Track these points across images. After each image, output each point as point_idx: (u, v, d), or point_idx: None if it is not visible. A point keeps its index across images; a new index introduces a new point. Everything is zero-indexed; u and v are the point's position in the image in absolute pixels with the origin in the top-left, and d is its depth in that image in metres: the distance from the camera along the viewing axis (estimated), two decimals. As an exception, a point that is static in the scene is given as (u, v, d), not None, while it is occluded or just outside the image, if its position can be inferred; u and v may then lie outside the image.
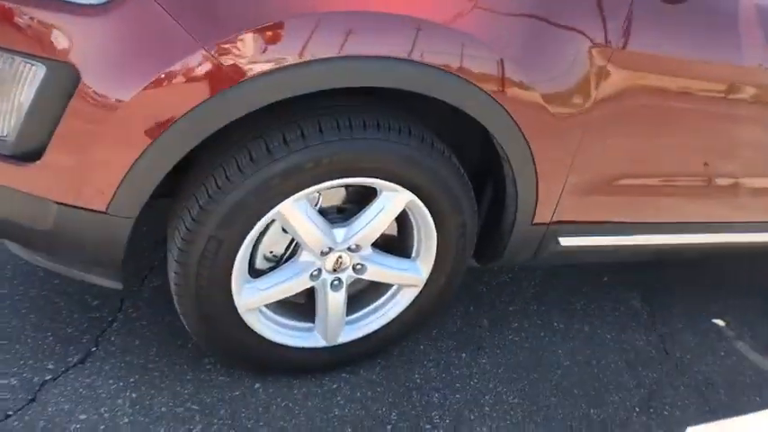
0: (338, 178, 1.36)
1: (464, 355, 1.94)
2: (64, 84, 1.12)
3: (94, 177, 1.21)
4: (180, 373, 1.62)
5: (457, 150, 1.54)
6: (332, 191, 1.51)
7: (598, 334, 2.19)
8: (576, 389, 1.92)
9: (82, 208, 1.24)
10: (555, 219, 1.71)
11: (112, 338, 1.67)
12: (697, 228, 1.97)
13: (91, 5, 1.11)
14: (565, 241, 1.79)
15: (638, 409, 1.91)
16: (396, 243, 1.70)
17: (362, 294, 1.73)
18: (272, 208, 1.34)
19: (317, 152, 1.30)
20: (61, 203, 1.23)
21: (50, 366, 1.55)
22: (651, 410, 1.90)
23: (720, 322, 2.48)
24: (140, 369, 1.60)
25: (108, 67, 1.12)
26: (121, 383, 1.55)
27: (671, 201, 1.85)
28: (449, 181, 1.48)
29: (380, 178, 1.40)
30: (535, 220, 1.68)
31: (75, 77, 1.11)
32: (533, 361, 1.99)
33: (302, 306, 1.65)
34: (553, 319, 2.21)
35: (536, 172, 1.54)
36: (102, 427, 1.44)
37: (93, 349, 1.63)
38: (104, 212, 1.25)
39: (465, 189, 1.53)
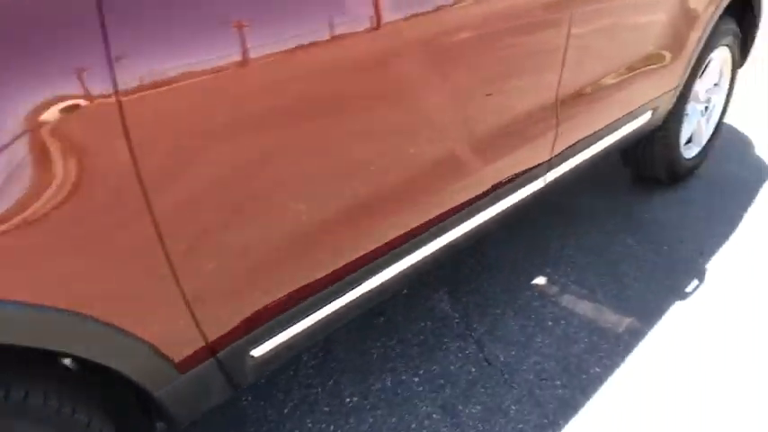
0: None
1: None
2: None
3: None
4: None
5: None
6: None
7: (404, 382, 1.73)
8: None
9: None
10: (217, 343, 1.18)
11: None
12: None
13: None
14: (258, 351, 1.27)
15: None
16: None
17: None
18: None
19: None
20: None
21: None
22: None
23: (541, 280, 2.10)
24: None
25: None
26: None
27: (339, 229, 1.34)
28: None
29: None
30: (182, 368, 1.13)
31: None
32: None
33: None
34: (345, 395, 1.72)
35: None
36: None
37: None
38: None
39: None
